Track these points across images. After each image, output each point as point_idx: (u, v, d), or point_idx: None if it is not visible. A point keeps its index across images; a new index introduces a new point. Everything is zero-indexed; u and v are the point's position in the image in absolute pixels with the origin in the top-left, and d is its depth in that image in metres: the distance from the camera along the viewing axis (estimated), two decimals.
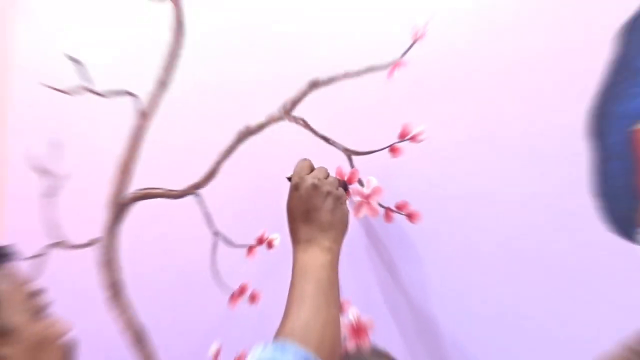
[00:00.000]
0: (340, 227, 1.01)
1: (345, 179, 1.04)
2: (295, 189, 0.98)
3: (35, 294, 0.89)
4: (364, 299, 1.10)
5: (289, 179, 0.97)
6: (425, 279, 1.05)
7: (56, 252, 1.43)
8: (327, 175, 1.01)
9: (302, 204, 0.99)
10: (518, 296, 0.95)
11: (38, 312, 0.87)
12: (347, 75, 1.12)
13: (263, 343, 0.82)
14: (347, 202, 1.02)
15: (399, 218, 1.07)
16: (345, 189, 1.02)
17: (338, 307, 0.93)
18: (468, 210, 1.01)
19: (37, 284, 0.91)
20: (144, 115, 1.30)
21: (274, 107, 1.18)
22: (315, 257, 0.96)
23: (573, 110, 0.94)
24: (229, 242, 1.21)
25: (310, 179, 0.98)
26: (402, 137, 1.05)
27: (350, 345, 1.08)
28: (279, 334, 0.86)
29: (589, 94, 0.94)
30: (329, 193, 0.98)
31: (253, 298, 1.17)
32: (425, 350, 1.06)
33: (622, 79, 0.94)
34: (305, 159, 1.01)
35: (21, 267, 1.17)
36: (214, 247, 1.23)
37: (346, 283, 1.04)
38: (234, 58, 1.25)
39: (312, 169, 1.00)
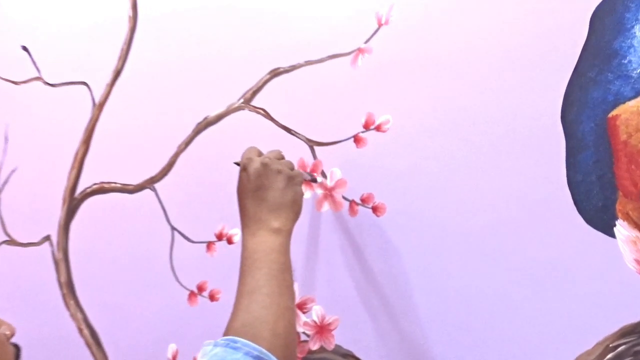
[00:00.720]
0: (291, 208, 0.95)
1: (308, 170, 0.99)
2: (243, 169, 0.94)
3: None
4: (328, 296, 1.04)
5: (237, 163, 0.92)
6: (392, 274, 1.00)
7: (4, 251, 1.37)
8: (281, 158, 0.96)
9: (250, 183, 0.94)
10: (490, 291, 0.91)
11: None
12: (309, 63, 1.06)
13: (213, 341, 0.79)
14: (307, 189, 0.98)
15: (364, 211, 1.01)
16: (314, 181, 0.97)
17: (291, 295, 0.89)
18: (436, 203, 0.96)
19: None
20: (98, 107, 1.23)
21: (233, 97, 1.12)
22: (264, 240, 0.91)
23: (545, 97, 0.90)
24: (187, 238, 1.15)
25: (259, 159, 0.93)
26: (367, 126, 1.01)
27: (313, 345, 1.02)
28: (228, 329, 0.82)
29: (562, 80, 0.90)
30: (279, 171, 0.93)
31: (212, 296, 1.11)
32: (393, 349, 1.01)
33: (596, 64, 0.91)
34: (253, 146, 0.97)
35: None
36: (172, 244, 1.17)
37: (309, 280, 1.02)
38: (191, 47, 1.20)
39: (261, 154, 0.96)
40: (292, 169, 0.95)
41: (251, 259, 0.89)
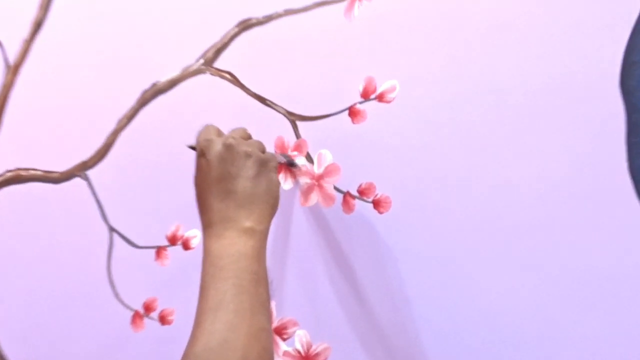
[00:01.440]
0: (266, 201, 0.78)
1: (289, 152, 0.79)
2: (201, 154, 0.76)
3: None
4: (314, 317, 0.85)
5: (193, 147, 0.75)
6: (397, 288, 0.82)
7: None
8: (248, 137, 0.80)
9: (211, 171, 0.76)
10: (528, 307, 0.76)
11: None
12: (289, 12, 0.86)
13: None
14: (285, 177, 0.82)
15: (362, 206, 0.83)
16: (292, 165, 0.79)
17: (267, 314, 0.72)
18: (456, 197, 0.78)
19: None
20: (13, 70, 1.01)
21: (190, 57, 0.91)
22: (232, 243, 0.74)
23: (599, 57, 0.74)
24: (129, 242, 0.94)
25: (220, 140, 0.76)
26: (366, 95, 0.81)
27: None
28: (187, 356, 0.66)
29: (621, 36, 0.74)
30: (248, 155, 0.76)
31: (164, 318, 0.90)
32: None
33: None
34: (210, 124, 0.79)
35: None
36: (110, 249, 0.95)
37: (290, 296, 0.84)
38: None
39: (221, 134, 0.79)
40: (264, 151, 0.78)
41: (215, 267, 0.72)
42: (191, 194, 0.75)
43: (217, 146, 0.74)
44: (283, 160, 0.77)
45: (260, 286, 0.73)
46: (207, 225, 0.74)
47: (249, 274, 0.71)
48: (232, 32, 0.86)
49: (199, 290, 0.71)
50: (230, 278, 0.71)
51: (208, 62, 0.86)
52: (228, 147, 0.74)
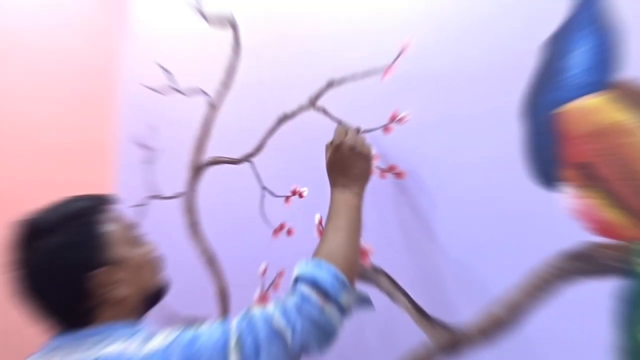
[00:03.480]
0: (366, 179, 1.14)
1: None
2: (337, 149, 1.12)
3: (134, 227, 1.04)
4: (367, 229, 1.22)
5: (332, 143, 1.13)
6: (409, 217, 1.23)
7: (153, 202, 1.68)
8: (358, 135, 1.16)
9: (342, 160, 1.13)
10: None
11: (137, 241, 1.02)
12: (354, 78, 1.29)
13: (305, 259, 0.99)
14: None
15: (389, 177, 1.26)
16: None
17: (359, 240, 1.07)
18: (434, 172, 1.19)
19: (135, 220, 1.11)
20: (213, 107, 1.52)
21: (303, 100, 1.38)
22: (349, 198, 1.09)
23: (512, 100, 1.11)
24: (272, 194, 1.42)
25: (349, 141, 1.12)
26: (392, 119, 1.21)
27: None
28: (317, 253, 1.00)
29: (521, 88, 1.10)
30: (360, 153, 1.12)
31: (289, 232, 1.37)
32: (411, 269, 1.22)
33: (545, 78, 1.09)
34: (341, 124, 1.18)
35: (125, 211, 1.36)
36: (262, 197, 1.45)
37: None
38: (274, 64, 1.44)
39: (347, 132, 1.14)
40: (370, 151, 1.15)
41: (338, 208, 1.08)
42: (303, 169, 1.23)
43: (346, 146, 1.10)
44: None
45: (359, 225, 1.07)
46: (335, 185, 1.11)
47: (356, 218, 1.07)
48: (324, 87, 1.31)
49: (327, 219, 1.07)
50: (345, 218, 1.06)
51: (312, 103, 1.33)
52: (351, 148, 1.10)
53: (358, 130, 1.16)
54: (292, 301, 0.94)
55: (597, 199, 1.06)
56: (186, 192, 1.63)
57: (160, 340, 0.90)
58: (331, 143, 1.13)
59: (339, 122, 1.23)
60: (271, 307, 0.95)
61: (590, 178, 1.07)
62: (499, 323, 1.09)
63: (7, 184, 1.47)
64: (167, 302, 1.41)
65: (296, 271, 0.99)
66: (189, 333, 0.92)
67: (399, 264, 1.26)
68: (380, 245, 1.29)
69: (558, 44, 1.11)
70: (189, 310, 1.62)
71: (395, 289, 1.24)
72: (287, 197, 1.43)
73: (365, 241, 1.27)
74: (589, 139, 1.07)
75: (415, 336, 1.20)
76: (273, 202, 1.47)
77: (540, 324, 1.06)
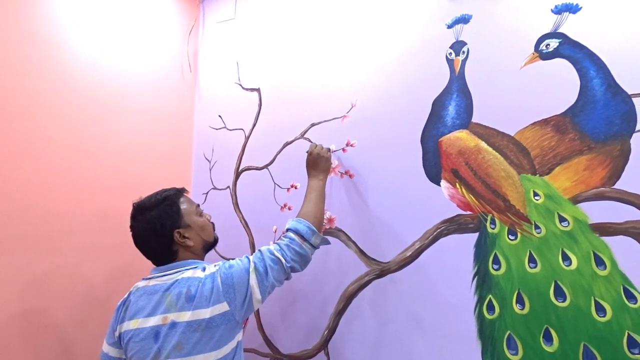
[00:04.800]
0: (327, 172, 1.39)
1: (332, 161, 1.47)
2: (310, 154, 1.38)
3: (198, 206, 1.24)
4: (333, 205, 1.51)
5: (308, 152, 1.39)
6: (356, 199, 1.46)
7: (212, 191, 1.89)
8: (322, 148, 1.40)
9: (314, 160, 1.37)
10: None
11: (200, 214, 1.21)
12: (325, 121, 1.58)
13: (291, 219, 1.24)
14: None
15: (346, 177, 1.50)
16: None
17: (323, 206, 1.30)
18: (372, 174, 1.42)
19: (199, 204, 1.26)
20: (246, 138, 1.77)
21: (297, 133, 1.65)
22: (317, 183, 1.33)
23: (416, 133, 1.36)
24: (280, 187, 1.64)
25: (316, 151, 1.38)
26: (347, 144, 1.51)
27: (327, 226, 1.53)
28: (298, 214, 1.26)
29: (421, 125, 1.36)
30: (323, 156, 1.37)
31: (289, 208, 1.62)
32: (358, 228, 1.45)
33: (434, 120, 1.34)
34: (314, 144, 1.42)
35: (195, 197, 1.70)
36: (274, 189, 1.66)
37: (327, 200, 1.48)
38: (281, 113, 1.69)
39: (316, 146, 1.39)
40: (328, 154, 1.40)
41: (311, 188, 1.32)
42: (296, 169, 1.46)
43: (314, 154, 1.36)
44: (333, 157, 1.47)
45: (323, 197, 1.32)
46: (310, 176, 1.35)
47: (321, 194, 1.32)
48: (308, 127, 1.56)
49: (305, 195, 1.30)
50: (315, 193, 1.31)
51: (302, 134, 1.58)
52: (318, 153, 1.37)
53: (329, 150, 1.45)
54: (284, 242, 1.17)
55: (462, 189, 1.28)
56: (231, 186, 1.84)
57: (212, 268, 1.11)
58: (308, 152, 1.40)
59: (313, 142, 1.50)
60: (272, 246, 1.17)
61: (457, 177, 1.28)
62: (408, 259, 1.35)
63: (127, 185, 1.69)
64: (218, 249, 1.75)
65: (287, 225, 1.23)
66: (228, 263, 1.12)
67: (351, 226, 1.51)
68: (341, 215, 1.52)
69: (440, 101, 1.35)
70: (231, 255, 1.73)
71: (348, 240, 1.49)
72: (288, 189, 1.65)
73: (332, 213, 1.51)
74: (457, 155, 1.29)
75: (360, 268, 1.45)
76: (280, 191, 1.68)
77: (430, 258, 1.32)
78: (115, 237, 1.59)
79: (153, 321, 1.05)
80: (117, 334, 1.12)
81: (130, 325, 1.08)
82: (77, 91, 1.54)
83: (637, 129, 1.06)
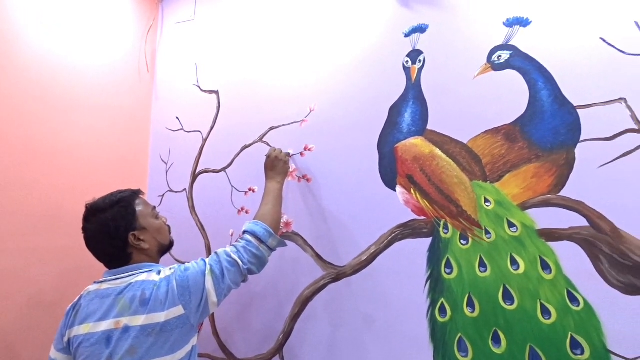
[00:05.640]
0: (284, 175, 1.39)
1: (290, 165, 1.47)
2: (268, 157, 1.39)
3: (154, 208, 1.21)
4: (289, 209, 1.50)
5: (267, 156, 1.39)
6: (313, 203, 1.46)
7: (169, 194, 1.83)
8: (281, 152, 1.41)
9: (272, 163, 1.38)
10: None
11: (156, 216, 1.19)
12: (284, 125, 1.57)
13: (249, 221, 1.22)
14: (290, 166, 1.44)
15: (303, 181, 1.49)
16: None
17: (281, 208, 1.30)
18: (328, 178, 1.42)
19: (155, 206, 1.21)
20: (204, 140, 1.74)
21: (255, 137, 1.62)
22: (274, 185, 1.33)
23: (373, 139, 1.37)
24: (237, 190, 1.61)
25: (275, 154, 1.38)
26: (305, 149, 1.51)
27: (284, 230, 1.51)
28: (255, 216, 1.25)
29: (378, 131, 1.37)
30: (281, 159, 1.38)
31: (247, 212, 1.58)
32: (315, 232, 1.44)
33: (391, 127, 1.35)
34: (273, 147, 1.44)
35: (151, 199, 1.63)
36: (231, 192, 1.63)
37: (284, 203, 1.47)
38: (240, 116, 1.66)
39: (275, 150, 1.40)
40: (286, 158, 1.41)
41: (269, 191, 1.32)
42: (255, 173, 1.44)
43: (273, 157, 1.37)
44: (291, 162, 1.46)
45: (280, 200, 1.32)
46: (267, 178, 1.35)
47: (278, 196, 1.31)
48: (267, 130, 1.54)
49: (262, 197, 1.30)
50: (272, 195, 1.30)
51: (261, 138, 1.56)
52: (276, 157, 1.37)
53: (288, 154, 1.45)
54: (241, 244, 1.16)
55: (416, 195, 1.28)
56: (188, 189, 1.79)
57: (167, 271, 1.09)
58: (267, 155, 1.40)
59: (272, 147, 1.49)
60: (229, 248, 1.15)
61: (412, 183, 1.29)
62: (364, 263, 1.34)
63: (79, 185, 1.62)
64: (174, 253, 1.69)
65: (244, 227, 1.21)
66: (184, 266, 1.10)
67: (308, 230, 1.50)
68: (298, 219, 1.51)
69: (397, 108, 1.36)
70: (187, 258, 1.61)
71: (305, 244, 1.47)
72: (246, 192, 1.62)
73: (289, 217, 1.50)
74: (412, 161, 1.30)
75: (316, 271, 1.44)
76: (238, 195, 1.65)
77: (385, 262, 1.32)
78: (67, 239, 1.52)
79: (105, 325, 1.02)
80: (66, 339, 1.07)
81: (80, 330, 1.04)
82: (27, 87, 1.46)
83: (581, 139, 1.10)
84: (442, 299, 1.21)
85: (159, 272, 1.08)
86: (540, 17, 1.19)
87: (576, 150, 1.10)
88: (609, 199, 1.07)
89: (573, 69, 1.13)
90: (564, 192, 1.10)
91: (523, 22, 1.20)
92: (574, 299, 1.06)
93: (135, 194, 1.18)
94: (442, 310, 1.20)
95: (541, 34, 1.18)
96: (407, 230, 1.28)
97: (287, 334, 1.45)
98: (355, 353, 1.33)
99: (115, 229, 1.08)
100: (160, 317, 1.00)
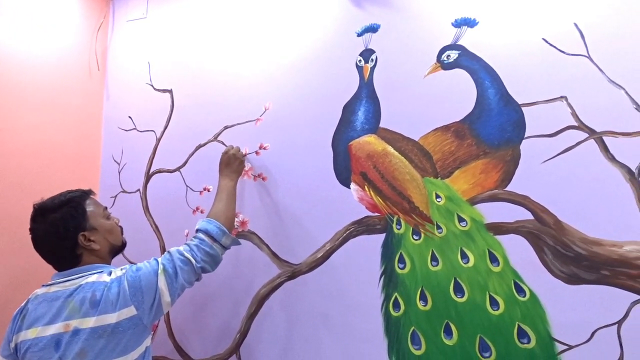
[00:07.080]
0: (239, 173, 1.37)
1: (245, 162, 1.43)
2: (225, 153, 1.36)
3: (106, 209, 1.17)
4: (245, 208, 1.46)
5: (224, 152, 1.36)
6: (269, 202, 1.43)
7: (121, 194, 1.75)
8: (238, 150, 1.38)
9: (227, 160, 1.35)
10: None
11: (107, 216, 1.15)
12: (239, 124, 1.53)
13: (202, 219, 1.19)
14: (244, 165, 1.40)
15: (259, 180, 1.46)
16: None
17: (235, 206, 1.28)
18: (283, 177, 1.39)
19: (107, 205, 1.22)
20: (157, 139, 1.67)
21: (210, 136, 1.58)
22: (228, 183, 1.30)
23: (327, 137, 1.35)
24: (192, 190, 1.56)
25: (231, 151, 1.36)
26: (260, 147, 1.46)
27: (240, 229, 1.45)
28: (209, 214, 1.22)
29: (332, 129, 1.35)
30: (237, 157, 1.36)
31: (202, 212, 1.53)
32: (270, 231, 1.41)
33: (344, 125, 1.33)
34: (231, 146, 1.41)
35: (102, 199, 1.55)
36: (186, 192, 1.58)
37: (240, 203, 1.45)
38: (194, 114, 1.61)
39: (232, 147, 1.37)
40: (243, 157, 1.38)
41: (222, 188, 1.28)
42: (211, 171, 1.37)
43: (229, 154, 1.34)
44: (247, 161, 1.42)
45: (234, 197, 1.29)
46: (222, 175, 1.31)
47: (232, 193, 1.28)
48: (221, 130, 1.50)
49: (215, 195, 1.26)
50: (225, 192, 1.26)
51: (215, 137, 1.52)
52: (233, 155, 1.34)
53: (243, 154, 1.41)
54: (194, 243, 1.13)
55: (370, 192, 1.27)
56: (142, 189, 1.73)
57: (119, 272, 1.05)
58: (224, 152, 1.37)
59: (227, 145, 1.46)
60: (182, 247, 1.12)
61: (366, 180, 1.28)
62: (319, 260, 1.32)
63: (28, 183, 1.54)
64: (127, 254, 1.62)
65: (197, 226, 1.18)
66: (135, 266, 1.07)
67: (263, 228, 1.46)
68: (253, 218, 1.47)
69: (350, 107, 1.35)
70: (141, 260, 1.39)
71: (261, 242, 1.43)
72: (201, 192, 1.58)
73: (244, 216, 1.46)
74: (366, 158, 1.28)
75: (272, 270, 1.41)
76: (193, 195, 1.60)
77: (340, 259, 1.30)
78: (13, 240, 1.44)
79: (54, 329, 0.98)
80: (12, 345, 1.02)
81: (28, 334, 0.99)
82: None
83: (525, 135, 1.11)
84: (396, 294, 1.20)
85: (110, 273, 1.04)
86: (486, 18, 1.20)
87: (521, 147, 1.11)
88: (552, 193, 1.08)
89: (517, 68, 1.14)
90: (510, 187, 1.11)
91: (470, 23, 1.20)
92: (520, 290, 1.07)
93: (86, 194, 1.13)
94: (396, 305, 1.20)
95: (487, 35, 1.19)
96: (361, 227, 1.27)
97: (243, 333, 1.40)
98: (311, 349, 1.31)
99: (65, 230, 1.04)
100: (112, 318, 0.97)
